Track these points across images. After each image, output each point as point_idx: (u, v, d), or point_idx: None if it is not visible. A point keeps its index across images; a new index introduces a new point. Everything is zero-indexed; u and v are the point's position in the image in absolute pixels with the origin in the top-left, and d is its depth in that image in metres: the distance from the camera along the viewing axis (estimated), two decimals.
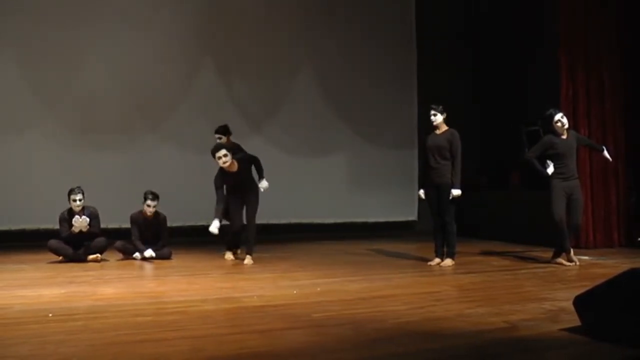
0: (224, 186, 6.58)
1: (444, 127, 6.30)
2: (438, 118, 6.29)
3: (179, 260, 6.82)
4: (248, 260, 6.54)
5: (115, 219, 7.23)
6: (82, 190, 6.66)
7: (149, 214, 6.83)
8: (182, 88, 9.28)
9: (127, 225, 6.95)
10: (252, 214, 6.61)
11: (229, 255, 6.85)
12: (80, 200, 6.59)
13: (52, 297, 4.59)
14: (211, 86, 9.43)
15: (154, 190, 6.86)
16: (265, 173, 6.61)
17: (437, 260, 6.34)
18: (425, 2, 10.53)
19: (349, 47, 10.11)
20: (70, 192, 6.65)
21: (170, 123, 8.78)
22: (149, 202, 6.76)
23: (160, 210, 6.97)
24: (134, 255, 6.78)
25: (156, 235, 6.93)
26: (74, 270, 6.05)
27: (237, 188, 6.60)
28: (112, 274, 5.88)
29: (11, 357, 2.99)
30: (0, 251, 7.37)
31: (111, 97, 8.92)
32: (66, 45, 8.78)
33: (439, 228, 6.32)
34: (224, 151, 6.36)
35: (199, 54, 9.44)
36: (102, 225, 6.93)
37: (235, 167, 6.47)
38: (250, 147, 8.17)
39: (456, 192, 6.15)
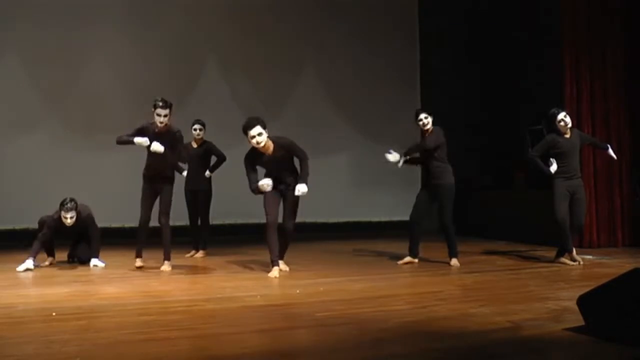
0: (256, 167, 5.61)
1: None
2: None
3: (182, 260, 6.82)
4: (283, 266, 5.81)
5: (119, 218, 7.22)
6: (75, 204, 5.93)
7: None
8: (186, 88, 9.29)
9: (130, 224, 6.95)
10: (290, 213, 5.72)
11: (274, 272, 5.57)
12: (71, 217, 5.89)
13: (56, 296, 4.60)
14: (215, 86, 9.46)
15: None
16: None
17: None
18: (428, 3, 10.52)
19: (352, 47, 10.12)
20: (62, 206, 5.89)
21: (173, 123, 8.78)
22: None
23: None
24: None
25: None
26: (77, 269, 6.07)
27: (273, 174, 5.67)
28: (115, 273, 5.88)
29: (15, 356, 3.00)
30: (4, 250, 7.39)
31: (115, 97, 8.94)
32: (70, 45, 8.82)
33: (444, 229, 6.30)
34: (258, 129, 5.32)
35: (203, 53, 9.46)
36: (106, 224, 6.91)
37: (270, 150, 5.58)
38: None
39: None
